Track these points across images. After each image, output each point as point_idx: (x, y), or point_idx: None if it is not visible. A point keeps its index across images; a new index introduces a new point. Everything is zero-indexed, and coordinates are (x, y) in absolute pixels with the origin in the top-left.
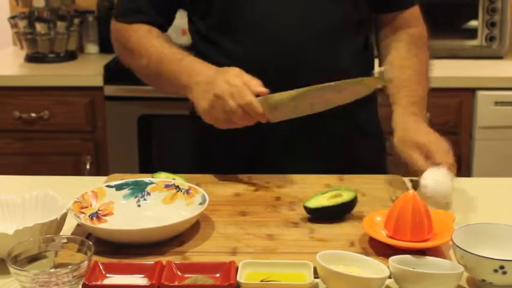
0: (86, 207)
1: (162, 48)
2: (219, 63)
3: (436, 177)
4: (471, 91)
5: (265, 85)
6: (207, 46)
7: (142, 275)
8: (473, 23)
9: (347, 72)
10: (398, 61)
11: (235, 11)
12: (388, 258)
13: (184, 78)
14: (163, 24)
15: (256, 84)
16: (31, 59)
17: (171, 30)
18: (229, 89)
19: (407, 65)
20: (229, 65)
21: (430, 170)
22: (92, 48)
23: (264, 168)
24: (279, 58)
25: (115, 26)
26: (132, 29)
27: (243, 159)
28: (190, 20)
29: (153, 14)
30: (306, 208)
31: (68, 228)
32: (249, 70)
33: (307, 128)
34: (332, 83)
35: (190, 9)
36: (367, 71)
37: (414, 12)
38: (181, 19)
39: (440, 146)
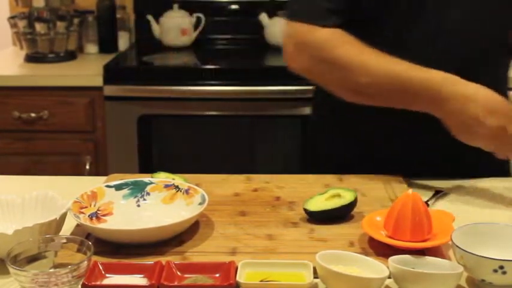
0: (86, 207)
1: (388, 64)
2: None
3: None
4: None
5: None
6: None
7: (141, 275)
8: None
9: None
10: None
11: (408, 25)
12: (387, 258)
13: (434, 99)
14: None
15: None
16: (31, 59)
17: (170, 30)
18: (495, 133)
19: None
20: None
21: None
22: (92, 48)
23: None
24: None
25: (308, 30)
26: (333, 37)
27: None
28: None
29: (343, 15)
30: (306, 211)
31: (67, 228)
32: None
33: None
34: None
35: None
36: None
37: None
38: (181, 18)
39: None
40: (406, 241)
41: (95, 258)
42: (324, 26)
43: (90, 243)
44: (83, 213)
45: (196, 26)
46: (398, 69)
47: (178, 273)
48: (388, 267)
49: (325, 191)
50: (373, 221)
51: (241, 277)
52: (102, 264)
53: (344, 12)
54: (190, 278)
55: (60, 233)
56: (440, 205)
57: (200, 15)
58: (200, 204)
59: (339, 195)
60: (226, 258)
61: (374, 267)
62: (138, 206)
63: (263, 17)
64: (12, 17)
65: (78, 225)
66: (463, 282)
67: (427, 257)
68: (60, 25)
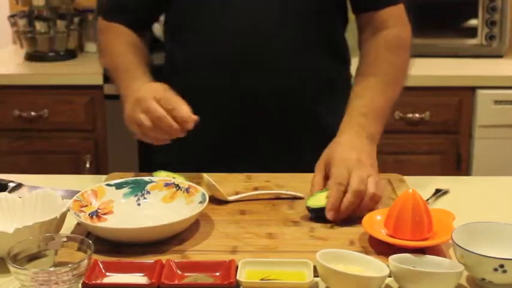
0: (86, 205)
1: (119, 56)
2: (183, 61)
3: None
4: (471, 90)
5: (230, 78)
6: (172, 46)
7: (142, 274)
8: (473, 22)
9: (312, 63)
10: (364, 68)
11: (192, 5)
12: (388, 257)
13: (122, 91)
14: (144, 22)
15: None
16: (31, 57)
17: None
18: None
19: (374, 72)
20: (193, 61)
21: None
22: (92, 47)
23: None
24: (240, 50)
25: (99, 22)
26: (107, 29)
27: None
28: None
29: (133, 14)
30: (308, 208)
31: (67, 227)
32: (209, 64)
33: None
34: None
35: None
36: (337, 65)
37: (394, 12)
38: None
39: (344, 166)
40: (407, 240)
41: (95, 256)
42: (110, 21)
43: (90, 241)
44: (83, 211)
45: None
46: (119, 62)
47: (179, 272)
48: (388, 266)
49: (326, 188)
50: (374, 220)
51: (241, 276)
52: (102, 262)
53: (135, 9)
54: (191, 277)
55: (61, 232)
56: (441, 204)
57: None
58: (200, 203)
59: None
60: (227, 257)
61: (374, 266)
62: (139, 204)
63: None
64: (12, 16)
65: (78, 224)
66: (463, 281)
67: (427, 255)
68: (60, 24)
